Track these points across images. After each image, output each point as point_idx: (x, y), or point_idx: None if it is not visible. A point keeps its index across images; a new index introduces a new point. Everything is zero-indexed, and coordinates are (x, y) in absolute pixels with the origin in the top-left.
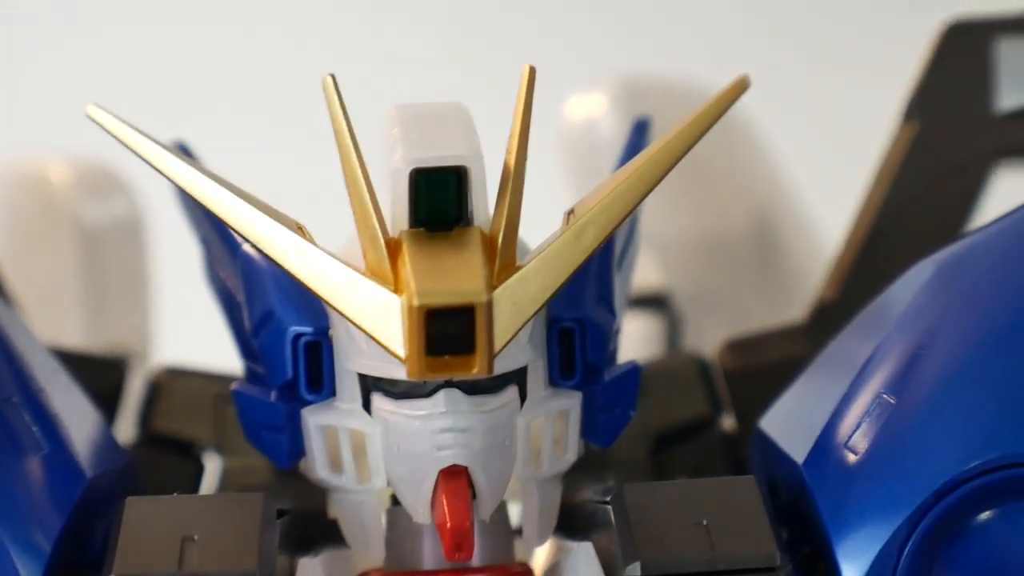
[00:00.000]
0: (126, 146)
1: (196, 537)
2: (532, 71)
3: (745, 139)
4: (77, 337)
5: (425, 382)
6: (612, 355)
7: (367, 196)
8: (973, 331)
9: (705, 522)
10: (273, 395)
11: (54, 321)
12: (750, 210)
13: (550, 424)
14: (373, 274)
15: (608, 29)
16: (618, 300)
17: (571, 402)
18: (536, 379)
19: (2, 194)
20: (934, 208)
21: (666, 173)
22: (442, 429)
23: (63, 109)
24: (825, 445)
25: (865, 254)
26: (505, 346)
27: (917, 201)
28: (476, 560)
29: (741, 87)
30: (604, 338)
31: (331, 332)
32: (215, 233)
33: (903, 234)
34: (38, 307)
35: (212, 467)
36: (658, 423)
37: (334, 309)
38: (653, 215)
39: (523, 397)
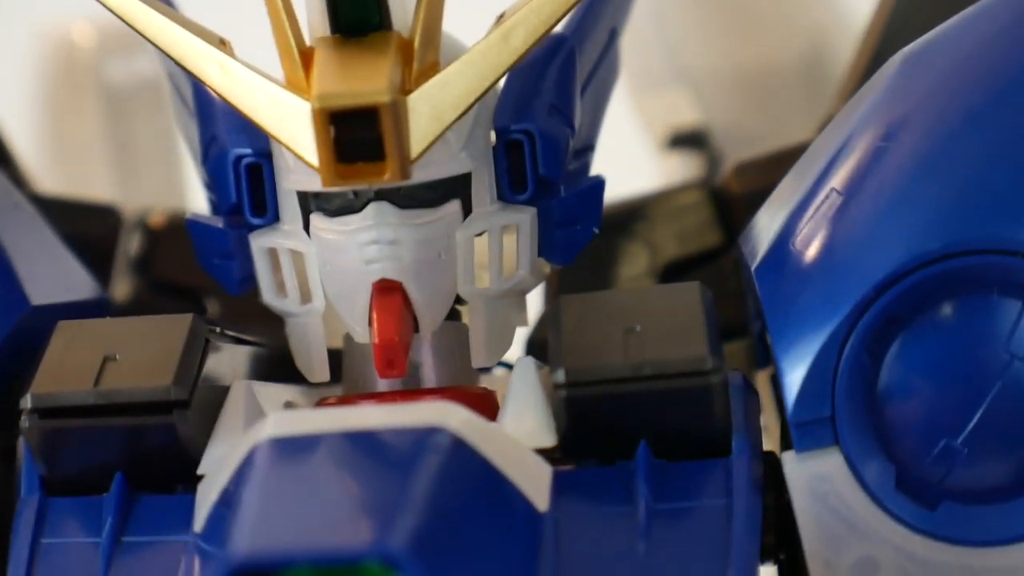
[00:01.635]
0: None
1: (118, 357)
2: None
3: None
4: (107, 194)
5: (356, 196)
6: (577, 172)
7: (281, 6)
8: (934, 123)
9: (638, 328)
10: (221, 221)
11: (84, 181)
12: (800, 36)
13: (496, 240)
14: (290, 85)
15: None
16: (584, 119)
17: (522, 217)
18: (481, 192)
19: (29, 56)
20: (941, 16)
21: None
22: (368, 241)
23: None
24: (776, 249)
25: (873, 65)
26: (424, 152)
27: (926, 10)
28: (431, 382)
29: None
30: (558, 151)
31: (273, 154)
32: (177, 66)
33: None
34: (67, 167)
35: (214, 311)
36: (667, 253)
37: (252, 121)
38: (688, 49)
39: (469, 212)
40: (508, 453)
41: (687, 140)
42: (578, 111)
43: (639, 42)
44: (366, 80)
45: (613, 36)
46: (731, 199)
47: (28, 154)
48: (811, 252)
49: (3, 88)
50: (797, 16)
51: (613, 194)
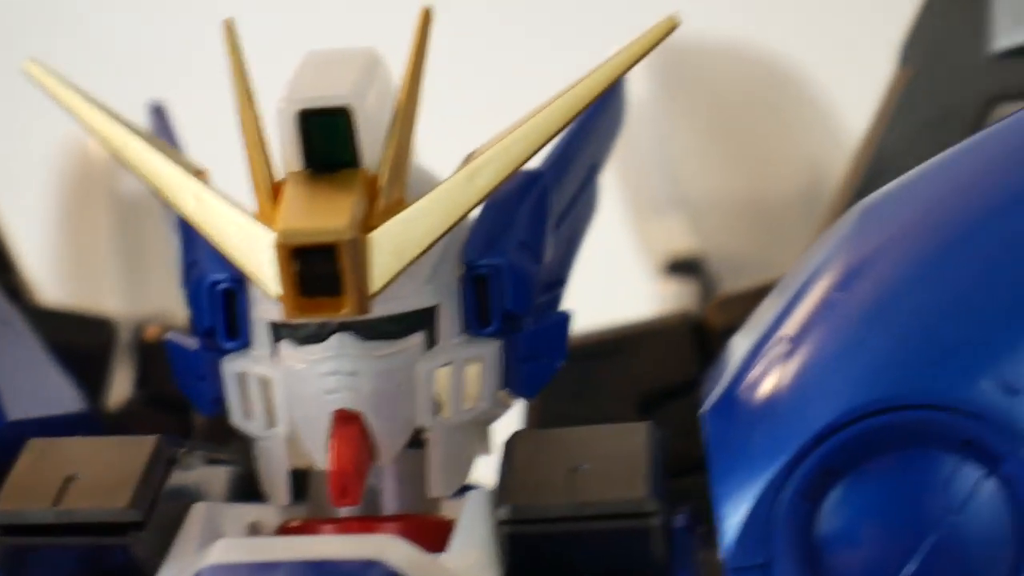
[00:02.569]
0: (56, 101)
1: (81, 476)
2: (427, 14)
3: (798, 96)
4: (117, 305)
5: (322, 326)
6: (547, 305)
7: (256, 141)
8: (883, 276)
9: (584, 467)
10: (196, 343)
11: (93, 288)
12: (800, 166)
13: (458, 372)
14: (261, 216)
15: None
16: (556, 254)
17: (486, 350)
18: (447, 325)
19: (48, 168)
20: (928, 155)
21: (573, 119)
22: (329, 372)
23: (105, 85)
24: (726, 393)
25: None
26: (384, 288)
27: (910, 149)
28: (391, 509)
29: (669, 27)
30: (525, 287)
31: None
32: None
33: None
34: (78, 275)
35: (203, 424)
36: (646, 383)
37: (222, 251)
38: (688, 176)
39: (435, 343)
40: None
41: (684, 267)
42: (548, 247)
43: (641, 167)
44: (328, 217)
45: (592, 172)
46: (711, 332)
47: (41, 263)
48: (756, 399)
49: (19, 199)
50: (797, 147)
51: (611, 318)
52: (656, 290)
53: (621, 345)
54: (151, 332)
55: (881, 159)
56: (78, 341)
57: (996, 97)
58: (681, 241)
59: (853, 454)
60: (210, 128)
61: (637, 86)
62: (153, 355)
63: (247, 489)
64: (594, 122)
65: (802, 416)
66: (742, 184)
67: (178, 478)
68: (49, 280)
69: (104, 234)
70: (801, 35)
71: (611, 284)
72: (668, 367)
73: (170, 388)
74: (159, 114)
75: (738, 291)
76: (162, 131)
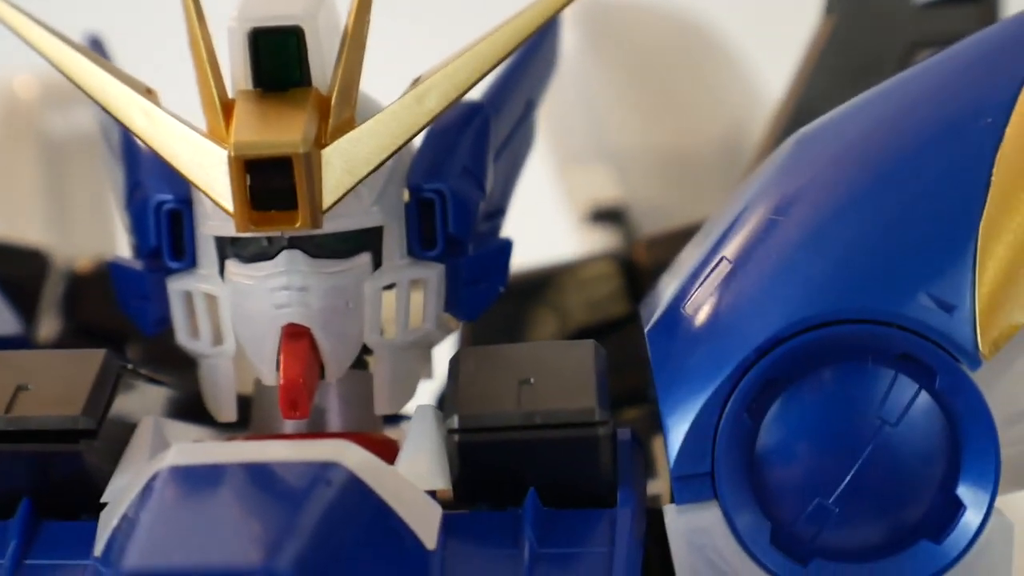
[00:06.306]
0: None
1: (31, 387)
2: None
3: (718, 53)
4: (43, 242)
5: (270, 244)
6: (488, 234)
7: (206, 60)
8: (820, 200)
9: (532, 380)
10: (140, 264)
11: (16, 227)
12: (719, 119)
13: (403, 293)
14: (211, 134)
15: None
16: (496, 184)
17: (429, 272)
18: (392, 246)
19: None
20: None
21: (517, 47)
22: (279, 287)
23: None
24: (668, 313)
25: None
26: (336, 203)
27: (832, 98)
28: (336, 428)
29: None
30: (468, 212)
31: (193, 201)
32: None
33: None
34: (5, 212)
35: (135, 355)
36: (579, 319)
37: (173, 167)
38: (612, 128)
39: (380, 265)
40: (400, 492)
41: (607, 215)
42: (490, 175)
43: (566, 119)
44: (282, 131)
45: (529, 107)
46: (640, 271)
47: None
48: (699, 316)
49: None
50: (717, 101)
51: (533, 263)
52: (580, 238)
53: (551, 283)
54: (83, 263)
55: (806, 106)
56: (9, 271)
57: (917, 44)
58: (605, 191)
59: (793, 367)
60: (151, 60)
61: (563, 38)
62: (84, 287)
63: (182, 412)
64: (530, 58)
65: (744, 331)
66: (665, 136)
67: (122, 395)
68: None
69: (31, 173)
70: None
71: (535, 231)
72: (597, 305)
73: (100, 319)
74: (96, 46)
75: (663, 232)
76: None
